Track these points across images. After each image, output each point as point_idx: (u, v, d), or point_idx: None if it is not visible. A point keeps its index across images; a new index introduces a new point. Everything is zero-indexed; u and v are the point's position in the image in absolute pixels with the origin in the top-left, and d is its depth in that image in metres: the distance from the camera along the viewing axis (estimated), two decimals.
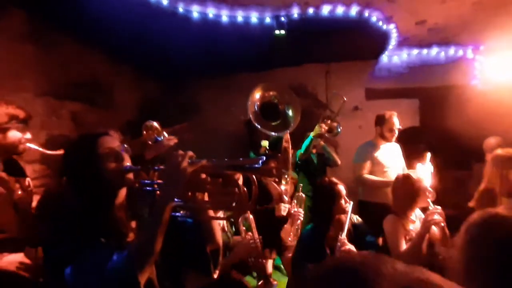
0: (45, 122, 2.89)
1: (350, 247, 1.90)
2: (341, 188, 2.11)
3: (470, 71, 4.57)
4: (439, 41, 4.34)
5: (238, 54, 4.04)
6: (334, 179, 2.18)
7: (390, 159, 3.17)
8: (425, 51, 4.61)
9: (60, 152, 2.04)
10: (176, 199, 1.03)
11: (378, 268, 0.46)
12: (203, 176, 1.07)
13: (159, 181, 1.09)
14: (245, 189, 1.06)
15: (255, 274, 2.94)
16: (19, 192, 1.82)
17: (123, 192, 1.12)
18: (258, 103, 3.84)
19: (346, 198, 2.10)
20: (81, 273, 0.96)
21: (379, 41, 4.30)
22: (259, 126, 3.72)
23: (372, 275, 0.45)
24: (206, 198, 1.14)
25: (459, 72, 4.47)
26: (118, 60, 3.82)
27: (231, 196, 1.06)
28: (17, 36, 2.64)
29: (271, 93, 3.96)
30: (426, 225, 2.00)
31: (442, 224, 2.00)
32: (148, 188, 1.11)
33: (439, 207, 2.04)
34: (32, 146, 1.93)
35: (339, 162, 3.93)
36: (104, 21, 2.76)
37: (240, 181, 1.17)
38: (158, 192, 1.09)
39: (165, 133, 3.01)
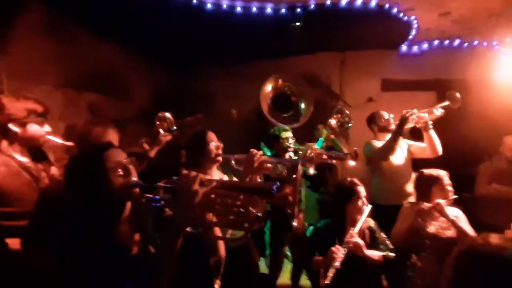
0: (64, 113, 2.97)
1: (358, 240, 2.00)
2: (361, 189, 2.18)
3: (493, 65, 4.36)
4: (462, 33, 4.13)
5: (251, 42, 3.98)
6: (356, 180, 2.24)
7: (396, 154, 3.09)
8: (446, 42, 4.41)
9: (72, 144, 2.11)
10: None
11: None
12: (213, 196, 1.07)
13: (167, 197, 1.09)
14: (253, 211, 1.04)
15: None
16: (46, 181, 1.90)
17: (128, 205, 1.12)
18: (271, 94, 3.83)
19: (364, 200, 2.16)
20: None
21: (399, 30, 4.13)
22: (270, 118, 3.73)
23: None
24: (213, 217, 1.15)
25: (481, 66, 4.27)
26: (132, 51, 3.83)
27: (240, 217, 1.05)
28: (36, 30, 2.66)
29: (284, 84, 3.93)
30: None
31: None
32: (155, 204, 1.10)
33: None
34: (52, 138, 2.01)
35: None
36: (118, 12, 2.76)
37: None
38: (165, 207, 1.09)
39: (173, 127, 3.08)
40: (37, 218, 1.57)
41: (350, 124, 3.99)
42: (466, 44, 4.43)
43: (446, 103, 2.89)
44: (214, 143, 2.03)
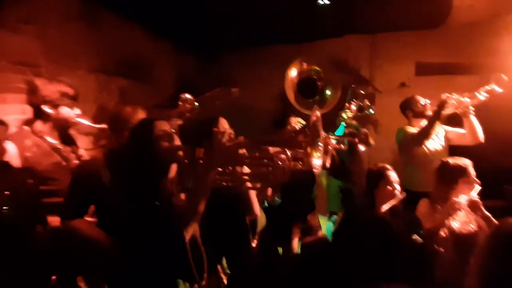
0: (97, 97, 3.10)
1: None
2: (391, 174, 2.09)
3: None
4: (509, 10, 3.73)
5: (277, 25, 3.87)
6: (387, 165, 2.17)
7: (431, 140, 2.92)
8: (491, 20, 4.01)
9: (104, 126, 2.20)
10: (218, 174, 1.20)
11: None
12: (241, 151, 1.21)
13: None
14: (279, 162, 1.18)
15: None
16: (75, 161, 2.03)
17: (174, 167, 1.30)
18: (296, 79, 3.70)
19: (396, 185, 2.07)
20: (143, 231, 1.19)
21: (438, 8, 3.82)
22: (295, 104, 3.62)
23: None
24: (245, 171, 1.28)
25: None
26: (158, 36, 3.88)
27: (266, 168, 1.19)
28: (69, 16, 2.75)
29: (311, 67, 3.78)
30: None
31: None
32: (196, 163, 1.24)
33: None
34: (81, 120, 2.10)
35: (372, 142, 3.72)
36: None
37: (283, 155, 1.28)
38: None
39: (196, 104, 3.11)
40: (74, 193, 1.68)
41: (371, 110, 3.79)
42: None
43: (492, 86, 2.64)
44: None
